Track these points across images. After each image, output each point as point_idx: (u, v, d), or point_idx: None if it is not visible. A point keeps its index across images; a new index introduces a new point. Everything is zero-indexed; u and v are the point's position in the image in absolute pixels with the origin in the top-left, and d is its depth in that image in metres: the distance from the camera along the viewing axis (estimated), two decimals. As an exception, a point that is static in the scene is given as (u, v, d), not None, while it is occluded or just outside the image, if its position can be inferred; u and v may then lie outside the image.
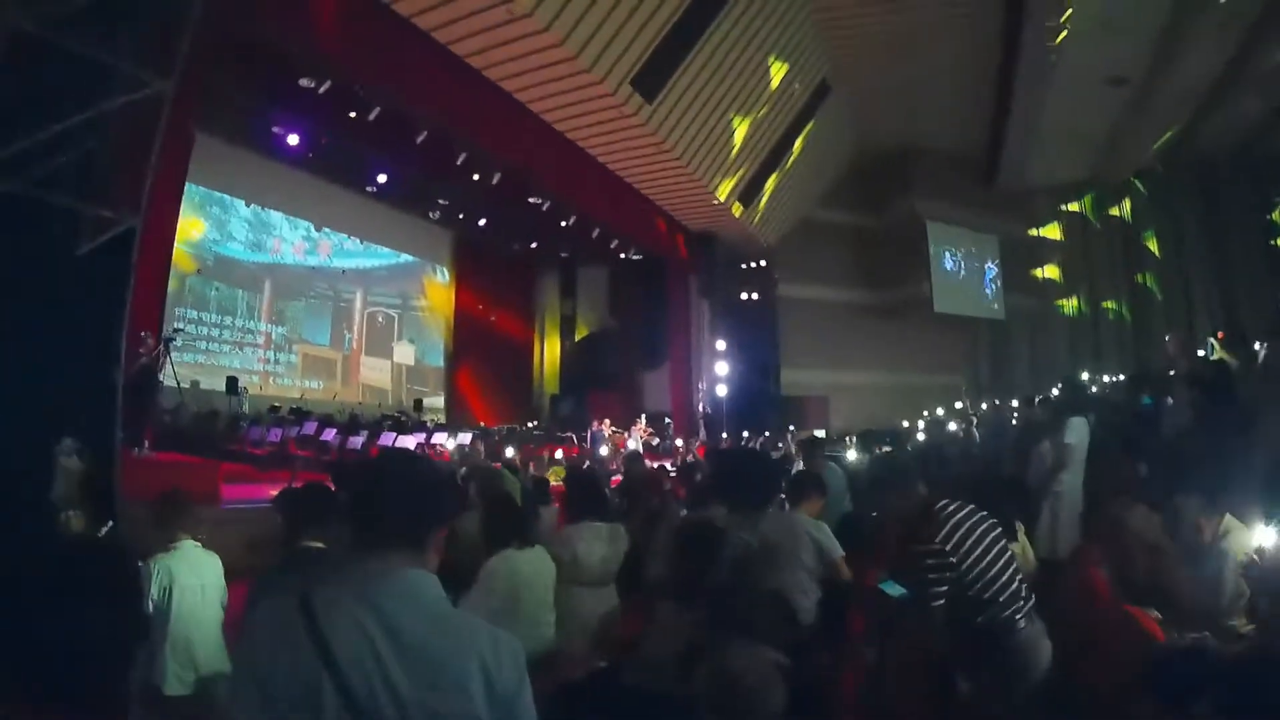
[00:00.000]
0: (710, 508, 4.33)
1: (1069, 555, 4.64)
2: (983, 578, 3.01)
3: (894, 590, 3.18)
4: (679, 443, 18.52)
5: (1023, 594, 3.09)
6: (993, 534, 3.13)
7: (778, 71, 16.94)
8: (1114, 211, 26.93)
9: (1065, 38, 16.43)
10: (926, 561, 2.99)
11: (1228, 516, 3.68)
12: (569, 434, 19.21)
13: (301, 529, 3.36)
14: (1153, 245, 26.02)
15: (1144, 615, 2.85)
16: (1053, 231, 28.01)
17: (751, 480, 4.20)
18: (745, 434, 18.70)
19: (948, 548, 3.00)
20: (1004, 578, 3.05)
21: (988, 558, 3.05)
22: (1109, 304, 26.92)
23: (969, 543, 3.04)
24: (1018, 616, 3.02)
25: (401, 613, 1.43)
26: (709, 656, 2.53)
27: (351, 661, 1.37)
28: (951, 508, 3.14)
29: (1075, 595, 3.35)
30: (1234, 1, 15.00)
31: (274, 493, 3.97)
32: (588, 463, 13.46)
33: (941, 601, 2.96)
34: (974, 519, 3.12)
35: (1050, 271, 27.92)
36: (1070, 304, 27.71)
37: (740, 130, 17.25)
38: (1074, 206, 27.55)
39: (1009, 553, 3.16)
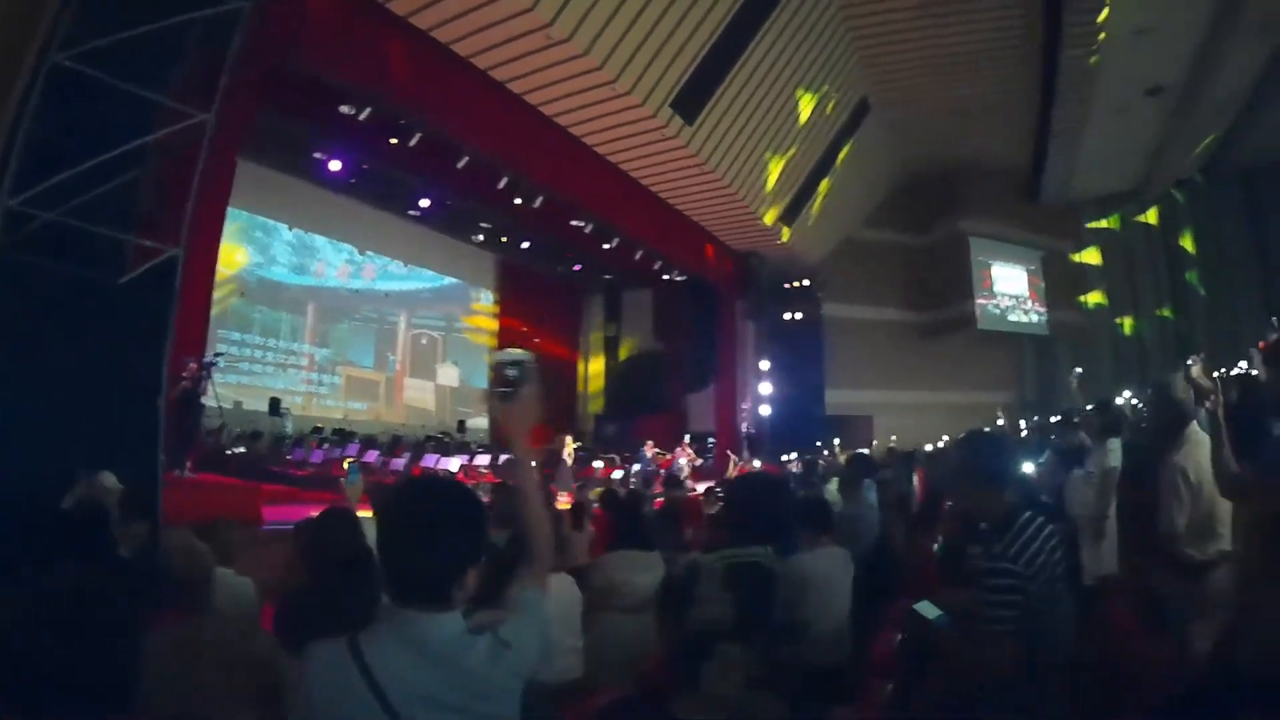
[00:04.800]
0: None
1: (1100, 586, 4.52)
2: (1044, 610, 2.57)
3: (930, 612, 2.89)
4: (733, 458, 18.34)
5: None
6: (1063, 561, 2.72)
7: (817, 91, 16.90)
8: (1155, 223, 26.81)
9: (1102, 47, 16.43)
10: (1000, 581, 2.53)
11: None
12: (612, 454, 19.14)
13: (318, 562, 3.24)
14: (1195, 256, 25.78)
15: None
16: (1093, 256, 27.95)
17: (769, 520, 3.45)
18: (785, 457, 18.40)
19: (1030, 572, 2.54)
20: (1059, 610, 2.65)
21: (1055, 586, 2.64)
22: (1155, 314, 26.71)
23: (1046, 567, 2.61)
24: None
25: (442, 646, 1.53)
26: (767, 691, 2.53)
27: (402, 696, 1.48)
28: (1037, 521, 2.67)
29: (1103, 628, 3.21)
30: (1272, 4, 14.82)
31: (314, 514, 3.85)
32: (632, 484, 13.37)
33: (1009, 628, 2.48)
34: (1054, 540, 2.67)
35: (1094, 297, 27.94)
36: (1115, 318, 27.61)
37: (782, 149, 17.19)
38: (1115, 220, 27.47)
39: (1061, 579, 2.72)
